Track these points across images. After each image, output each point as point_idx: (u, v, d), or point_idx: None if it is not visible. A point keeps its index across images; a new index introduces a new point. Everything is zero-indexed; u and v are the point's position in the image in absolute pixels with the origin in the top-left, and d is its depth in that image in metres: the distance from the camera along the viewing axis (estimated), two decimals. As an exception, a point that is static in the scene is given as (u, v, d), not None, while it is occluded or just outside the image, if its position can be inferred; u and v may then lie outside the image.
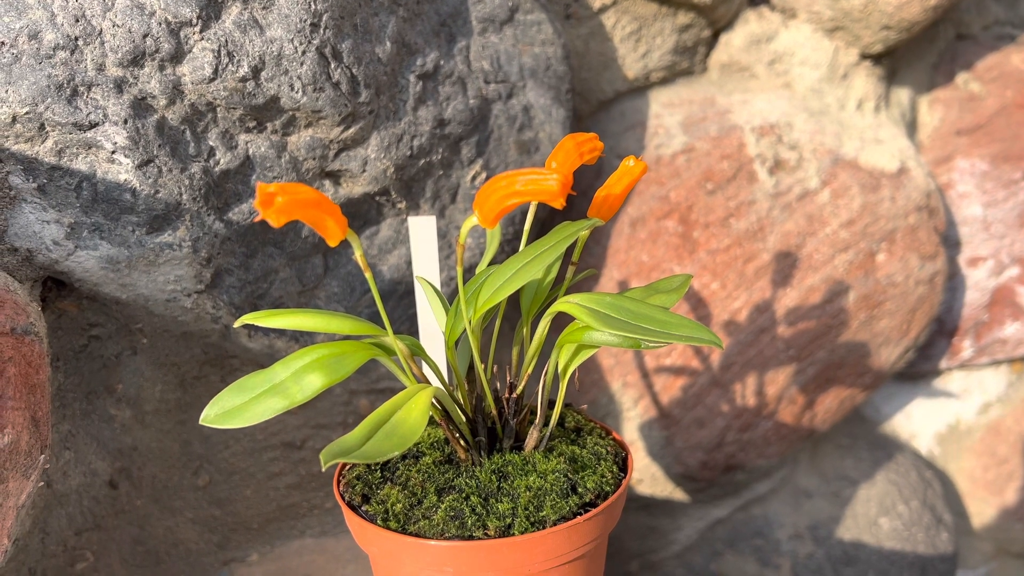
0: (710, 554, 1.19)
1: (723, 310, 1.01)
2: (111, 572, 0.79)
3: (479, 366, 0.60)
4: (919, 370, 1.30)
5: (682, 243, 1.00)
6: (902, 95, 1.19)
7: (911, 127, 1.21)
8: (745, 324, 1.01)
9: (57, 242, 0.65)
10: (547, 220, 0.97)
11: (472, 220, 0.53)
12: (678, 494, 1.11)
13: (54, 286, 0.71)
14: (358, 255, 0.52)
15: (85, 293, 0.70)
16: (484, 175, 0.83)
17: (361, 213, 0.79)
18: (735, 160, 1.03)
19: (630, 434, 1.05)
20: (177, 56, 0.64)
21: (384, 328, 0.60)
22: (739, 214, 1.01)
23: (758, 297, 1.01)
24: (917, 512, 1.22)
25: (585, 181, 1.03)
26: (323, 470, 0.45)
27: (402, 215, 0.81)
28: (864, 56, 1.11)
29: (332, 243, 0.50)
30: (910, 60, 1.20)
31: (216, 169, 0.68)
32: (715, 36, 1.10)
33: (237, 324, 0.56)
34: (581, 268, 1.03)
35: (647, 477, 1.08)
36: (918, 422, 1.35)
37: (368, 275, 0.53)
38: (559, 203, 0.50)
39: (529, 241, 0.65)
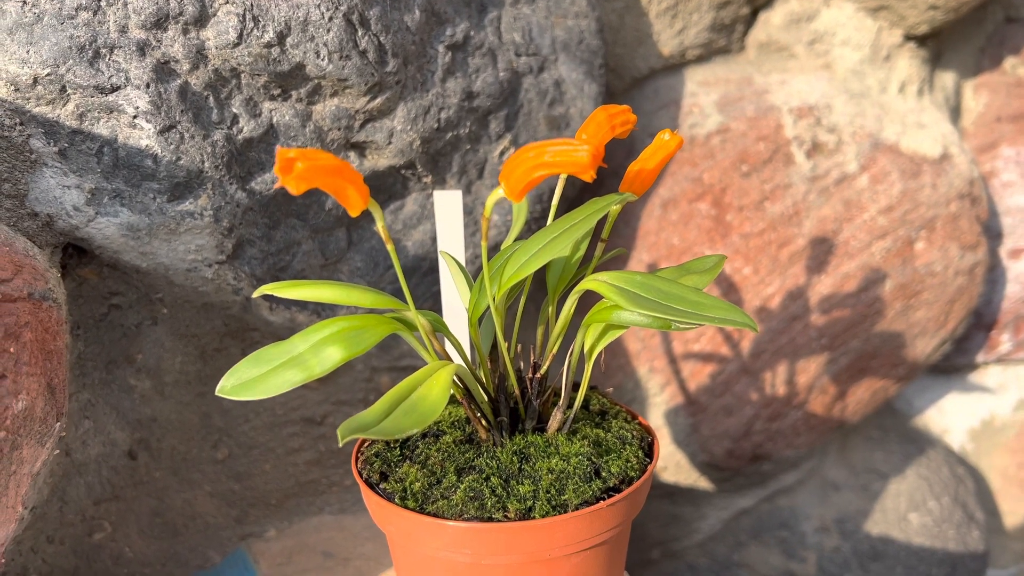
0: (734, 544, 1.16)
1: (755, 296, 0.98)
2: (129, 542, 0.79)
3: (502, 345, 0.58)
4: (954, 363, 1.26)
5: (714, 226, 0.98)
6: (946, 79, 1.15)
7: (955, 112, 1.17)
8: (777, 311, 0.99)
9: (77, 208, 0.64)
10: (575, 199, 0.95)
11: (498, 193, 0.51)
12: (703, 483, 1.09)
13: (75, 252, 0.70)
14: (380, 226, 0.50)
15: (106, 261, 0.69)
16: (512, 150, 0.81)
17: (386, 187, 0.77)
18: (771, 142, 1.00)
19: (656, 420, 1.03)
20: (201, 19, 0.62)
21: (406, 303, 0.58)
22: (774, 198, 0.98)
23: (791, 283, 0.98)
24: (948, 509, 1.19)
25: (616, 160, 1.00)
26: (340, 445, 0.43)
27: (428, 189, 0.79)
28: (908, 37, 1.07)
29: (353, 213, 0.48)
30: (956, 42, 1.16)
31: (239, 137, 0.67)
32: (754, 14, 1.07)
33: (256, 294, 0.54)
34: (610, 249, 1.01)
35: (672, 465, 1.06)
36: (951, 417, 1.31)
37: (390, 247, 0.51)
38: (589, 176, 0.48)
39: (556, 217, 0.63)
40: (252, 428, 0.82)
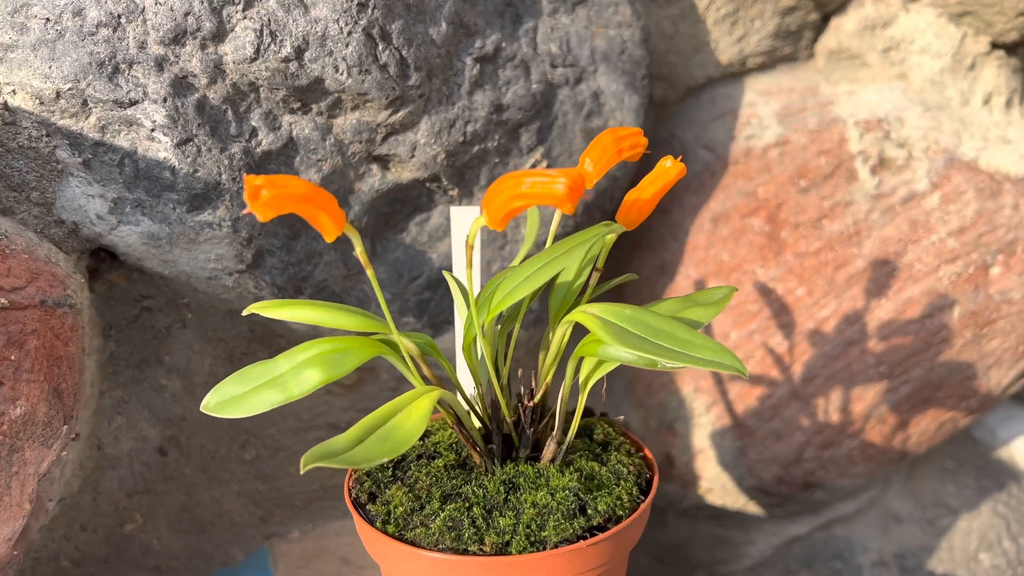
0: (784, 572, 1.12)
1: (808, 318, 0.94)
2: (158, 535, 0.82)
3: (491, 372, 0.57)
4: (1044, 394, 1.17)
5: (767, 243, 0.94)
6: (1042, 89, 1.06)
7: (1051, 125, 1.08)
8: (832, 335, 0.94)
9: (101, 216, 0.66)
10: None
11: (481, 220, 0.50)
12: (751, 507, 1.05)
13: (107, 256, 0.73)
14: (358, 251, 0.50)
15: (132, 266, 0.72)
16: (545, 163, 0.80)
17: (411, 199, 0.77)
18: (834, 156, 0.95)
19: (701, 441, 0.99)
20: (219, 35, 0.63)
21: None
22: (833, 215, 0.93)
23: (848, 307, 0.93)
24: (1026, 550, 1.11)
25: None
26: (301, 473, 0.43)
27: (455, 202, 0.78)
28: (996, 45, 1.00)
29: (328, 239, 0.48)
30: (1056, 49, 1.07)
31: (258, 150, 0.68)
32: (825, 20, 1.02)
33: (245, 313, 0.55)
34: (656, 263, 0.98)
35: (717, 487, 1.02)
36: (1041, 449, 1.22)
37: (369, 272, 0.51)
38: (567, 208, 0.47)
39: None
40: (279, 431, 0.84)
